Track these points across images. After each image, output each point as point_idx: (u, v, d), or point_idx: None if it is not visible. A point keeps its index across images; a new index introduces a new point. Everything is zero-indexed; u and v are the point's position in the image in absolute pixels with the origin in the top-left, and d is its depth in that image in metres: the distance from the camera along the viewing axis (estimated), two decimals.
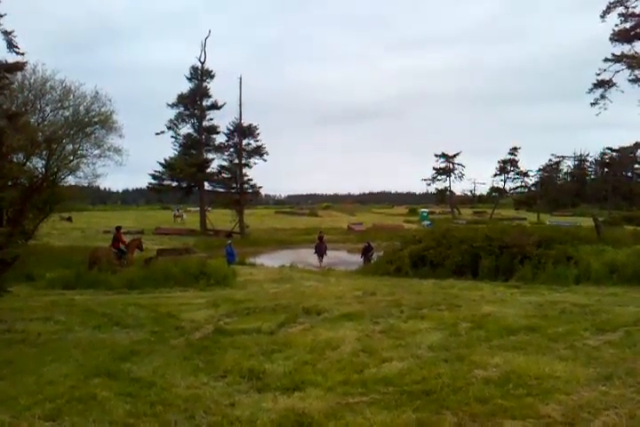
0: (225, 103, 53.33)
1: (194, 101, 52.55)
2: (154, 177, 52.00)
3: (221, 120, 55.39)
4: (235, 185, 52.68)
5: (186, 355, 7.54)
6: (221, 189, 54.55)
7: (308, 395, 5.68)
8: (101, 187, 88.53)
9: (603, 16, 37.69)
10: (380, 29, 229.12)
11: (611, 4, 37.02)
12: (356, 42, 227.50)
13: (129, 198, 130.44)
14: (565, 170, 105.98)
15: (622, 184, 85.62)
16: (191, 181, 52.32)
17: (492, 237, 19.29)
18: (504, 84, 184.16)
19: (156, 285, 15.71)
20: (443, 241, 20.23)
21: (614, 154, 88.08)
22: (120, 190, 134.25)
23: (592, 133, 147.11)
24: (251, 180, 53.19)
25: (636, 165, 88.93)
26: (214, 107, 53.29)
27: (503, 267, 18.40)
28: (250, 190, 53.40)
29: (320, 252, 31.28)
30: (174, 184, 52.80)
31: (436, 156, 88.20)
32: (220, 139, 54.44)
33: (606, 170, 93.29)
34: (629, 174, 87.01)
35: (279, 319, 10.05)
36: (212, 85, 53.69)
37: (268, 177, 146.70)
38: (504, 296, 13.78)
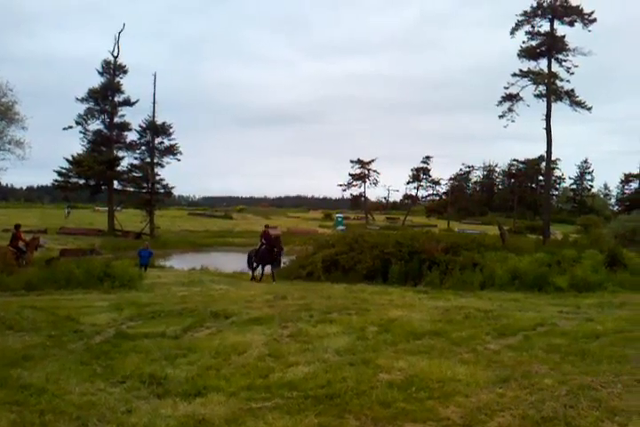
0: (138, 100, 51.90)
1: (105, 97, 50.72)
2: (60, 174, 49.69)
3: (134, 117, 53.53)
4: (146, 185, 51.27)
5: (83, 360, 7.16)
6: (132, 189, 52.93)
7: (209, 401, 5.52)
8: (2, 183, 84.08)
9: (512, 33, 39.79)
10: (300, 33, 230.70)
11: (519, 22, 39.11)
12: (277, 44, 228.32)
13: (33, 196, 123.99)
14: (475, 179, 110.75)
15: (527, 195, 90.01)
16: (100, 180, 50.42)
17: (402, 243, 19.73)
18: (420, 92, 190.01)
19: (56, 286, 14.90)
20: (355, 246, 20.49)
21: (520, 165, 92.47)
22: (24, 187, 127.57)
23: (501, 145, 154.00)
24: (163, 179, 52.06)
25: (540, 177, 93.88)
26: (126, 103, 51.64)
27: (412, 272, 18.86)
28: (162, 191, 52.14)
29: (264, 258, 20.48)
30: (82, 182, 50.65)
31: (352, 162, 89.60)
32: (131, 136, 52.94)
33: (513, 181, 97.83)
34: (534, 186, 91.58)
35: (185, 323, 9.78)
36: (125, 81, 52.16)
37: (182, 178, 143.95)
38: (412, 301, 14.07)
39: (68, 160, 49.77)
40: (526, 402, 5.68)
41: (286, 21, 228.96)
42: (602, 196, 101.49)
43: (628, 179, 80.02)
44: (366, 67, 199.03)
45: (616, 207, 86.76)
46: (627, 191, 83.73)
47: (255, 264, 20.90)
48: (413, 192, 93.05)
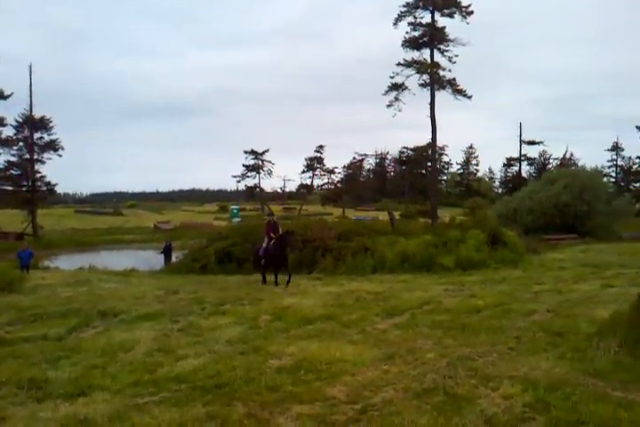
0: (13, 93, 48.59)
1: None
2: None
3: (9, 111, 50.09)
4: (25, 183, 48.33)
5: None
6: (10, 188, 49.69)
7: (93, 400, 5.35)
8: None
9: (395, 23, 40.96)
10: (190, 25, 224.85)
11: (401, 13, 40.32)
12: (165, 36, 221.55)
13: None
14: (368, 167, 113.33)
15: (418, 180, 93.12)
16: None
17: (295, 233, 19.85)
18: (312, 84, 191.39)
19: None
20: (249, 237, 20.40)
21: (410, 153, 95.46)
22: None
23: (392, 133, 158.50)
24: (44, 177, 49.24)
25: (430, 163, 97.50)
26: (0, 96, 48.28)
27: (307, 260, 19.08)
28: (43, 188, 49.36)
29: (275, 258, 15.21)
30: None
31: (246, 152, 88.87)
32: (7, 132, 49.53)
33: (404, 167, 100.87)
34: (424, 172, 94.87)
35: (70, 324, 9.39)
36: None
37: (68, 174, 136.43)
38: (306, 288, 14.29)
39: None
40: (409, 376, 5.96)
41: (173, 13, 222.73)
42: (487, 179, 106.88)
43: (509, 163, 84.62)
44: (256, 58, 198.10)
45: (500, 190, 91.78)
46: (509, 174, 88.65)
47: (264, 266, 15.53)
48: (309, 182, 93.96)
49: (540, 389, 5.35)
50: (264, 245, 15.34)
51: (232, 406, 5.12)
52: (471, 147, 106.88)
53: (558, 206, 35.55)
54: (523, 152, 69.30)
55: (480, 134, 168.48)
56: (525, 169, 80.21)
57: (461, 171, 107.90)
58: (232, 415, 4.85)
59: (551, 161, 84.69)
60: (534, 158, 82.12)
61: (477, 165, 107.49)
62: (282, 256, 15.07)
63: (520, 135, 66.24)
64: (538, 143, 70.40)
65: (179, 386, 5.73)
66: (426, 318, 9.28)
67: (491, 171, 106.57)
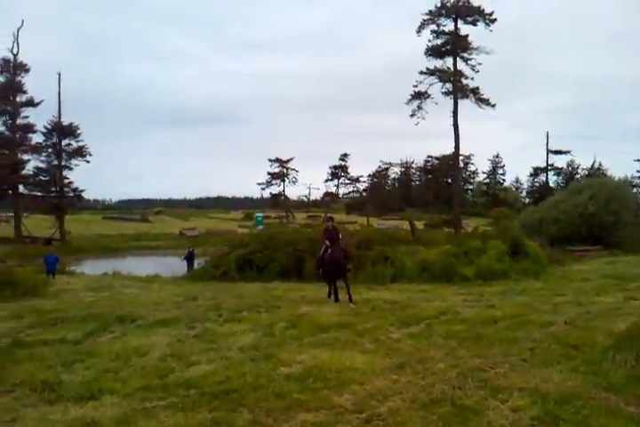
0: (42, 100, 49.68)
1: (6, 97, 48.27)
2: None
3: (39, 118, 51.01)
4: (54, 188, 49.23)
5: None
6: (39, 193, 50.66)
7: (102, 403, 5.43)
8: None
9: (418, 31, 41.01)
10: (215, 32, 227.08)
11: (424, 21, 40.36)
12: (190, 43, 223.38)
13: None
14: (393, 176, 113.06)
15: (443, 190, 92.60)
16: (3, 184, 47.96)
17: (315, 240, 19.88)
18: (336, 91, 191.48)
19: None
20: (269, 244, 20.51)
21: (436, 161, 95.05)
22: None
23: (418, 142, 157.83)
24: (72, 183, 50.11)
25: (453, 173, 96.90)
26: (30, 103, 49.32)
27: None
28: (71, 194, 50.21)
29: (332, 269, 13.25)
30: None
31: (270, 160, 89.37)
32: (36, 138, 50.58)
33: (429, 177, 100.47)
34: (449, 181, 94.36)
35: (88, 328, 9.52)
36: (27, 80, 49.82)
37: (96, 181, 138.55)
38: (325, 296, 14.24)
39: None
40: (417, 386, 5.93)
41: (201, 20, 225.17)
42: (514, 189, 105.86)
43: (536, 172, 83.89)
44: (282, 65, 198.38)
45: (527, 200, 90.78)
46: (536, 184, 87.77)
47: (322, 277, 14.06)
48: (333, 190, 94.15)
49: (550, 402, 5.28)
50: (320, 253, 13.59)
51: (238, 412, 5.15)
52: (497, 156, 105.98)
53: (584, 217, 34.96)
54: (550, 161, 68.56)
55: (506, 143, 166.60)
56: (553, 179, 79.29)
57: (487, 180, 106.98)
58: (237, 422, 4.89)
59: (579, 171, 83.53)
60: (562, 168, 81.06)
61: (504, 174, 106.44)
62: (339, 265, 12.97)
63: (547, 144, 65.60)
64: (565, 152, 69.59)
65: (187, 391, 5.77)
66: (441, 328, 9.21)
67: (517, 180, 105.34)
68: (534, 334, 8.46)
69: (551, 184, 73.99)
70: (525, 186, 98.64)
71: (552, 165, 71.63)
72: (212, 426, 4.79)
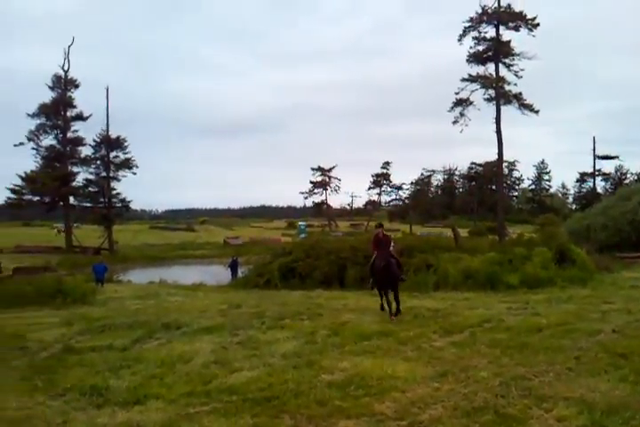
0: (91, 114, 51.24)
1: (57, 112, 49.98)
2: (13, 191, 48.71)
3: (88, 132, 52.60)
4: (102, 199, 50.61)
5: (25, 375, 7.14)
6: (88, 204, 52.14)
7: (148, 408, 5.57)
8: None
9: (460, 39, 40.70)
10: (253, 43, 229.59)
11: (466, 28, 40.02)
12: (230, 55, 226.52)
13: None
14: (436, 183, 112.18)
15: (487, 197, 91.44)
16: (55, 196, 49.53)
17: (357, 248, 19.89)
18: (377, 100, 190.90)
19: (6, 305, 14.64)
20: (311, 253, 20.58)
21: (479, 168, 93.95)
22: None
23: (461, 149, 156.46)
24: (119, 194, 51.43)
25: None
26: (79, 118, 50.96)
27: (368, 276, 18.99)
28: (119, 205, 51.53)
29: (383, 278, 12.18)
30: (36, 199, 49.70)
31: (313, 169, 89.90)
32: (86, 151, 52.15)
33: (473, 183, 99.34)
34: (493, 187, 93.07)
35: (135, 335, 9.76)
36: (77, 95, 51.46)
37: (143, 191, 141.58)
38: (367, 304, 14.24)
39: (20, 177, 48.88)
40: (460, 394, 5.88)
41: (241, 33, 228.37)
42: (560, 195, 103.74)
43: (583, 178, 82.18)
44: (323, 75, 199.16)
45: (574, 206, 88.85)
46: (583, 190, 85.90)
47: (372, 287, 12.98)
48: (376, 198, 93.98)
49: (596, 411, 5.17)
50: (371, 261, 12.73)
51: (279, 418, 5.21)
52: (543, 162, 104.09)
53: (634, 223, 33.98)
54: (597, 167, 66.93)
55: (551, 149, 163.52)
56: (600, 184, 77.41)
57: (533, 187, 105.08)
58: None
59: (628, 176, 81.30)
60: (609, 173, 79.08)
61: (550, 180, 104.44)
62: (390, 275, 11.86)
63: (594, 149, 64.08)
64: (613, 158, 67.90)
65: (230, 397, 5.86)
66: (485, 337, 9.09)
67: (564, 186, 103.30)
68: (581, 343, 8.28)
69: (599, 190, 72.14)
70: (572, 192, 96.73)
71: (599, 170, 70.03)
72: None
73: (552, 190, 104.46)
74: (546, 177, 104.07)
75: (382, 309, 12.31)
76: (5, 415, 5.47)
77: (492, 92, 39.93)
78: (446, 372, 6.77)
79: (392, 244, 12.57)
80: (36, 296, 15.18)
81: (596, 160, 65.51)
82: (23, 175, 48.88)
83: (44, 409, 5.65)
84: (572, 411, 5.23)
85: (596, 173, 68.50)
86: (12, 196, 49.13)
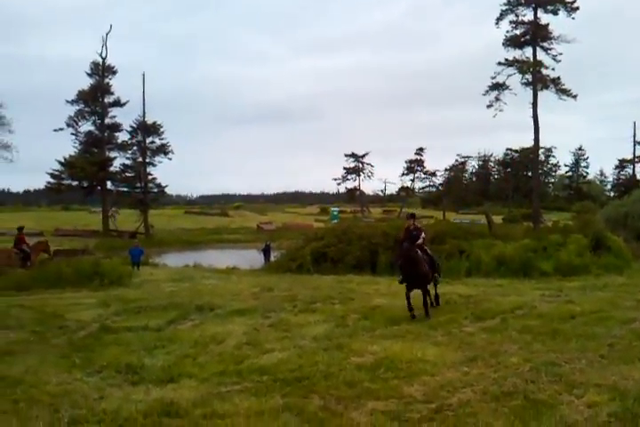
0: (128, 100, 51.71)
1: (95, 98, 50.62)
2: (52, 176, 49.74)
3: (125, 118, 53.24)
4: (139, 184, 51.36)
5: (64, 353, 7.38)
6: (125, 189, 53.00)
7: (181, 386, 5.73)
8: None
9: (497, 22, 39.90)
10: (288, 29, 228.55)
11: (503, 11, 39.20)
12: (265, 41, 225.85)
13: (31, 199, 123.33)
14: (471, 170, 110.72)
15: (523, 183, 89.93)
16: (93, 181, 50.43)
17: (388, 234, 19.84)
18: (411, 85, 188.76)
19: (47, 286, 15.06)
20: (343, 238, 20.61)
21: (515, 155, 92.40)
22: (21, 191, 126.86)
23: (497, 135, 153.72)
24: (155, 179, 52.10)
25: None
26: (117, 104, 51.52)
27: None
28: (155, 190, 52.25)
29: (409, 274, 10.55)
30: (74, 184, 50.71)
31: (346, 155, 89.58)
32: (123, 137, 52.85)
33: (508, 170, 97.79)
34: (529, 174, 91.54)
35: (169, 317, 9.98)
36: (114, 82, 52.02)
37: (179, 177, 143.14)
38: (398, 289, 14.21)
39: (60, 162, 49.84)
40: (489, 379, 5.88)
41: (274, 19, 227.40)
42: (598, 182, 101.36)
43: (622, 164, 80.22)
44: (356, 61, 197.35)
45: (612, 193, 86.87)
46: (622, 177, 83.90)
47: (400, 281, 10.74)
48: (409, 184, 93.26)
49: (629, 399, 5.13)
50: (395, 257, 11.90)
51: (309, 398, 5.30)
52: (580, 148, 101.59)
53: None
54: (637, 153, 65.19)
55: (589, 135, 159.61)
56: None
57: (570, 173, 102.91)
58: (308, 407, 5.03)
59: None
60: None
61: (587, 167, 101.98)
62: (418, 272, 10.31)
63: (634, 135, 62.45)
64: None
65: (261, 377, 5.98)
66: (516, 323, 9.04)
67: (602, 173, 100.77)
68: (614, 331, 8.18)
69: (638, 177, 70.25)
70: (610, 179, 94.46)
71: (639, 156, 68.05)
72: (284, 411, 4.95)
73: (590, 177, 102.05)
74: (583, 164, 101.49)
75: (413, 317, 9.84)
76: (46, 390, 5.68)
77: (528, 76, 39.10)
78: (476, 357, 6.78)
79: (422, 235, 11.37)
80: (74, 278, 15.56)
81: (636, 146, 63.76)
82: (62, 160, 49.85)
83: (81, 385, 5.85)
84: (603, 398, 5.20)
85: (636, 159, 66.72)
86: (52, 180, 50.22)
